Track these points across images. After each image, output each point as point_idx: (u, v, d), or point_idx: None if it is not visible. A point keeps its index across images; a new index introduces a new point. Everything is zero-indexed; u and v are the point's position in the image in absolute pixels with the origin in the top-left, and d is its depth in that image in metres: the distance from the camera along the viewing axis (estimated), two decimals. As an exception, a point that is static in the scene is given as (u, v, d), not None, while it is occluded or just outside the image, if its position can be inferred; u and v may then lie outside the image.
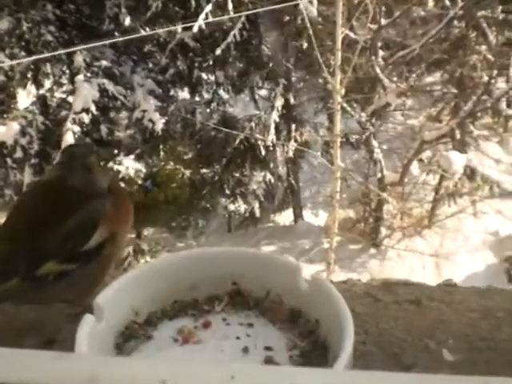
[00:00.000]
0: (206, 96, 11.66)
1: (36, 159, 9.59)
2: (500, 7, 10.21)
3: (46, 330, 1.05)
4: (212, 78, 11.47)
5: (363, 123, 11.03)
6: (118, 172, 9.75)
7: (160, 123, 9.78)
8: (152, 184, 10.34)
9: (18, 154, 9.43)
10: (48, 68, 10.38)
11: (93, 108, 9.28)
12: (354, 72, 9.75)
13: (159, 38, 10.69)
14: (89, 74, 9.47)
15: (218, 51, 10.46)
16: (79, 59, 9.39)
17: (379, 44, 10.69)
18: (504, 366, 0.86)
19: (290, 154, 11.72)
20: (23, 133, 9.47)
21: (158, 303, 1.00)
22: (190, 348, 0.92)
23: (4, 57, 9.36)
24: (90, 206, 1.03)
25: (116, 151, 10.20)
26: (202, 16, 9.74)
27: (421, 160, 11.93)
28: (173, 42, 10.60)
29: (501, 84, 11.11)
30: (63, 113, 9.96)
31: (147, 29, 10.36)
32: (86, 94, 9.23)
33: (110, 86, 9.64)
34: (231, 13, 10.00)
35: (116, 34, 10.00)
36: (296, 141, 11.60)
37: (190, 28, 9.89)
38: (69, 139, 9.00)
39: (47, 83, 10.64)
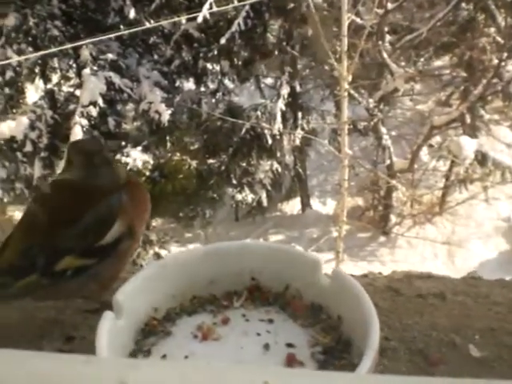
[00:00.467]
0: (212, 86, 11.62)
1: (45, 153, 9.64)
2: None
3: (65, 327, 1.04)
4: (217, 67, 11.42)
5: (371, 109, 10.96)
6: (126, 164, 9.78)
7: (166, 114, 9.77)
8: (159, 175, 10.35)
9: (28, 147, 9.49)
10: (55, 62, 10.40)
11: (100, 101, 9.28)
12: (360, 58, 9.66)
13: (164, 29, 10.66)
14: (95, 68, 9.47)
15: (223, 41, 10.41)
16: (85, 53, 9.39)
17: (386, 29, 10.60)
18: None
19: (297, 142, 11.69)
20: (32, 127, 9.52)
21: (176, 299, 0.99)
22: (210, 344, 0.91)
23: (12, 52, 9.38)
24: (107, 200, 1.03)
25: (123, 143, 10.22)
26: (206, 6, 9.69)
27: (430, 146, 11.86)
28: (177, 33, 10.57)
29: (511, 67, 10.98)
30: (71, 106, 9.98)
31: (152, 21, 10.33)
32: (93, 87, 9.24)
33: (117, 79, 9.63)
34: (235, 2, 9.95)
35: (121, 26, 9.99)
36: (303, 129, 11.56)
37: (195, 18, 9.85)
38: (77, 132, 9.02)
39: (55, 77, 10.67)
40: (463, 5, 10.42)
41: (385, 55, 10.20)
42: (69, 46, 8.99)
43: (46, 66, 10.32)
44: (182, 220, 11.59)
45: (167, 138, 10.64)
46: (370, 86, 11.08)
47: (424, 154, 12.20)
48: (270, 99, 11.61)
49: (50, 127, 9.65)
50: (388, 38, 10.64)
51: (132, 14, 10.08)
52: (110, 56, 9.78)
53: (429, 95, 13.16)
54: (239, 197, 11.97)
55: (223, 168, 11.58)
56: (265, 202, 12.08)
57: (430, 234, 11.76)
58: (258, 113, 11.31)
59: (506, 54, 10.28)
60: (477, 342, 0.88)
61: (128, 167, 9.69)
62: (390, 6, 10.07)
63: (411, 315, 0.95)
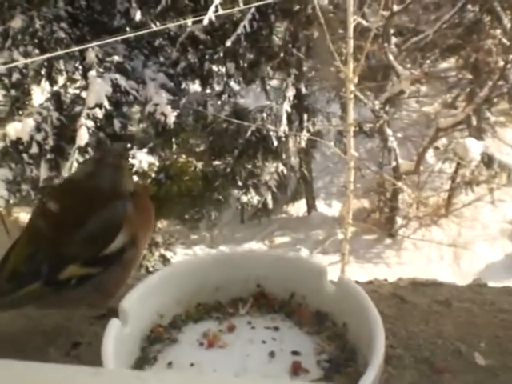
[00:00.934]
0: (217, 88, 11.65)
1: (51, 154, 9.68)
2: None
3: (71, 333, 1.05)
4: (223, 69, 11.44)
5: (377, 111, 10.95)
6: (132, 166, 9.80)
7: (172, 116, 9.80)
8: (165, 177, 10.37)
9: (34, 149, 9.53)
10: (61, 65, 10.44)
11: (106, 103, 9.32)
12: (366, 60, 9.66)
13: (169, 31, 10.69)
14: (101, 70, 9.51)
15: (229, 43, 10.44)
16: (91, 55, 9.43)
17: (392, 31, 10.59)
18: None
19: (303, 144, 11.69)
20: (38, 129, 9.56)
21: (182, 306, 0.99)
22: (216, 352, 0.91)
23: (18, 54, 9.42)
24: (111, 207, 1.02)
25: (129, 145, 10.25)
26: (212, 8, 9.71)
27: (436, 148, 11.84)
28: (183, 35, 10.60)
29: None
30: (77, 108, 10.01)
31: (158, 23, 10.36)
32: (99, 89, 9.27)
33: (122, 81, 9.67)
34: (241, 4, 9.97)
35: (127, 29, 10.02)
36: (308, 131, 11.57)
37: (200, 21, 9.88)
38: (83, 134, 9.06)
39: (61, 79, 10.71)
40: (469, 7, 10.40)
41: (391, 57, 10.20)
42: (75, 48, 9.03)
43: (52, 68, 10.36)
44: (187, 222, 11.60)
45: (173, 139, 10.66)
46: (375, 88, 11.08)
47: (430, 156, 12.19)
48: (275, 101, 11.62)
49: (55, 129, 9.68)
50: (394, 40, 10.63)
51: (138, 16, 10.12)
52: (116, 58, 9.82)
53: (435, 97, 13.14)
54: (245, 199, 11.98)
55: (229, 170, 11.59)
56: (270, 204, 12.10)
57: (436, 236, 11.74)
58: (264, 115, 11.33)
59: (511, 56, 10.24)
60: (482, 350, 0.88)
61: (134, 169, 9.72)
62: (395, 8, 10.06)
63: (416, 323, 0.95)
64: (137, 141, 10.45)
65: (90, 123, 9.19)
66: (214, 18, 9.87)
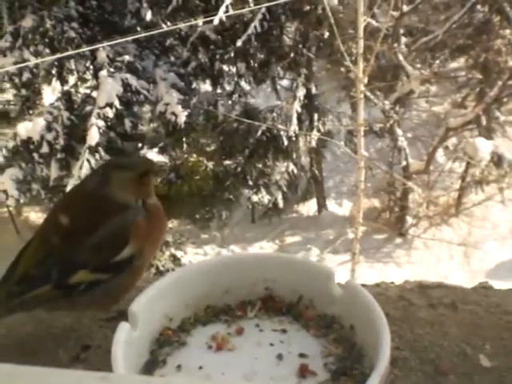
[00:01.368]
0: (228, 88, 11.67)
1: (62, 154, 9.72)
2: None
3: (81, 336, 1.06)
4: (233, 69, 11.48)
5: (387, 111, 10.95)
6: (167, 172, 9.82)
7: (183, 116, 9.82)
8: (176, 176, 10.39)
9: (45, 149, 9.57)
10: (72, 64, 10.49)
11: (116, 102, 9.35)
12: (376, 60, 9.66)
13: (180, 31, 10.71)
14: (112, 69, 9.54)
15: (239, 43, 10.45)
16: (102, 55, 9.47)
17: (402, 31, 10.59)
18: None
19: (313, 143, 11.69)
20: (49, 128, 9.61)
21: (190, 309, 1.00)
22: (224, 355, 0.92)
23: (28, 54, 9.47)
24: (121, 216, 1.04)
25: (140, 145, 10.29)
26: (223, 9, 9.73)
27: (446, 147, 11.82)
28: (194, 35, 10.62)
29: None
30: (88, 108, 10.05)
31: (168, 23, 10.39)
32: (110, 88, 9.30)
33: (133, 81, 9.70)
34: (251, 4, 9.97)
35: (138, 28, 10.06)
36: (319, 130, 11.57)
37: (211, 21, 9.90)
38: (94, 134, 9.10)
39: (71, 79, 10.76)
40: (478, 7, 10.38)
41: (400, 57, 10.19)
42: (86, 48, 9.06)
43: (62, 68, 10.42)
44: (198, 221, 11.62)
45: (183, 139, 10.69)
46: (385, 88, 11.07)
47: (440, 155, 12.16)
48: (285, 101, 11.62)
49: (66, 128, 9.73)
50: (404, 40, 10.64)
51: (149, 16, 10.14)
52: (127, 58, 9.85)
53: (444, 97, 13.12)
54: (255, 198, 11.99)
55: (239, 169, 11.60)
56: (281, 204, 12.10)
57: (446, 235, 11.71)
58: (274, 114, 11.34)
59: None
60: (487, 352, 0.89)
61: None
62: (405, 8, 10.04)
63: (422, 325, 0.96)
64: (147, 140, 10.49)
65: (101, 123, 9.23)
66: (224, 18, 9.89)
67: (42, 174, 9.97)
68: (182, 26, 10.21)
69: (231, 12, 9.79)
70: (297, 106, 11.10)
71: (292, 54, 11.34)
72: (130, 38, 9.28)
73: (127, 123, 9.78)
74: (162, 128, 10.40)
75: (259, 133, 11.14)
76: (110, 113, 9.31)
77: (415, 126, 12.94)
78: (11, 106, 12.58)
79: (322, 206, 13.07)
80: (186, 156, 10.71)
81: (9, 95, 12.25)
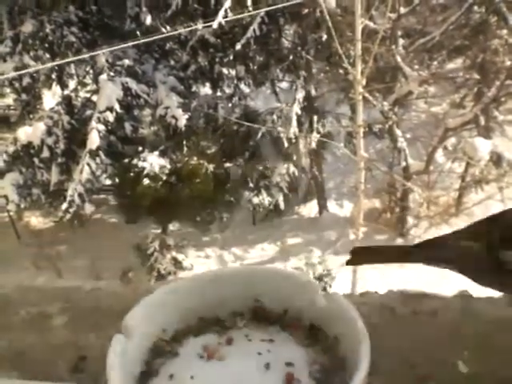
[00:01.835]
0: (228, 91, 11.74)
1: (62, 158, 9.76)
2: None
3: (78, 347, 1.10)
4: (233, 72, 11.54)
5: (386, 112, 10.98)
6: (143, 168, 9.87)
7: (183, 119, 9.88)
8: (176, 179, 10.43)
9: (45, 153, 9.61)
10: (72, 69, 10.53)
11: (117, 106, 9.41)
12: (374, 62, 9.70)
13: (180, 35, 10.76)
14: (112, 74, 9.60)
15: (238, 46, 10.50)
16: (102, 59, 9.53)
17: (399, 33, 10.64)
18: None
19: (313, 145, 11.72)
20: (49, 133, 9.66)
21: (183, 321, 1.05)
22: (215, 364, 0.96)
23: (29, 59, 9.52)
24: None
25: (140, 148, 10.33)
26: (222, 13, 9.77)
27: (445, 147, 11.85)
28: (193, 38, 10.67)
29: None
30: (88, 112, 10.12)
31: (168, 27, 10.43)
32: (110, 92, 9.36)
33: (133, 85, 9.76)
34: (250, 8, 10.02)
35: (137, 32, 10.11)
36: (318, 132, 11.60)
37: (211, 25, 9.94)
38: (94, 138, 9.15)
39: (71, 83, 10.80)
40: (475, 8, 10.42)
41: (398, 59, 10.24)
42: (86, 55, 9.09)
43: (62, 73, 10.46)
44: (199, 224, 11.66)
45: (184, 142, 10.74)
46: (384, 90, 11.11)
47: (439, 155, 12.19)
48: (285, 103, 11.66)
49: (66, 133, 9.78)
50: (401, 41, 10.68)
51: (148, 20, 10.20)
52: (127, 62, 9.90)
53: (443, 98, 13.16)
54: (256, 200, 12.00)
55: (240, 171, 11.64)
56: (282, 205, 12.12)
57: (447, 235, 11.72)
58: (274, 117, 11.39)
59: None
60: (465, 359, 0.93)
61: (145, 172, 9.80)
62: (402, 10, 10.08)
63: (404, 333, 1.01)
64: (148, 144, 10.54)
65: (101, 127, 9.28)
66: (223, 22, 9.93)
67: (43, 179, 10.01)
68: (181, 31, 10.26)
69: (231, 16, 9.83)
70: (296, 108, 11.13)
71: (291, 57, 11.38)
72: (130, 44, 9.32)
73: (127, 127, 9.85)
74: (163, 131, 10.46)
75: (259, 135, 11.18)
76: (111, 117, 9.37)
77: (414, 127, 12.98)
78: (11, 110, 12.62)
79: (322, 207, 13.10)
80: (186, 159, 10.75)
81: (9, 100, 12.31)
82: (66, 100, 10.31)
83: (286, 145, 11.31)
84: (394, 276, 10.97)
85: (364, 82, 8.85)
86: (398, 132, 11.21)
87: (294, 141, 11.40)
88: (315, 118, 11.73)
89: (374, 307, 1.06)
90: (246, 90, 11.91)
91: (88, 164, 9.12)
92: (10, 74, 9.28)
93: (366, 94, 9.79)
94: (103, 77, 9.53)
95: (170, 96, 10.07)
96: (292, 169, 11.99)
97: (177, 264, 10.75)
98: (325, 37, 10.64)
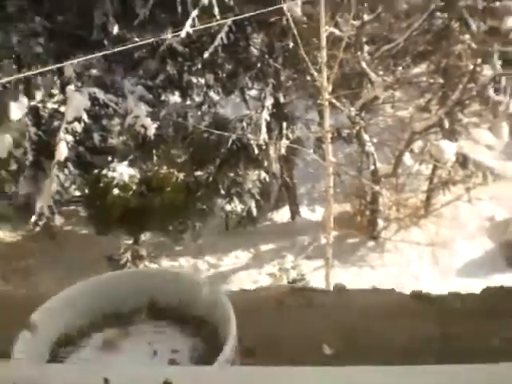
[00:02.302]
0: (197, 99, 11.79)
1: (30, 170, 9.71)
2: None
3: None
4: (202, 80, 11.59)
5: (353, 117, 11.12)
6: (113, 179, 9.87)
7: (152, 128, 9.90)
8: (147, 189, 10.43)
9: (13, 166, 9.55)
10: (39, 79, 10.50)
11: (85, 117, 9.40)
12: (340, 68, 9.84)
13: (148, 44, 10.79)
14: (79, 84, 9.59)
15: (207, 54, 10.56)
16: (69, 70, 9.51)
17: (364, 39, 10.80)
18: (376, 359, 1.00)
19: (283, 151, 11.80)
20: (17, 145, 9.59)
21: (87, 317, 1.16)
22: (114, 354, 1.07)
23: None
24: None
25: (110, 158, 10.32)
26: (189, 22, 9.83)
27: (412, 150, 12.03)
28: (162, 47, 10.71)
29: (486, 71, 11.16)
30: (56, 123, 10.08)
31: (135, 36, 10.46)
32: (78, 103, 9.36)
33: (101, 95, 9.76)
34: (218, 17, 10.09)
35: (105, 42, 10.12)
36: (288, 138, 11.70)
37: (178, 34, 9.99)
38: (62, 149, 9.15)
39: (38, 94, 10.76)
40: (438, 14, 10.63)
41: (364, 65, 10.40)
42: (53, 66, 9.07)
43: (29, 83, 10.41)
44: (171, 233, 11.62)
45: (153, 151, 10.76)
46: (351, 95, 11.26)
47: (407, 158, 12.35)
48: (254, 110, 11.74)
49: (34, 144, 9.72)
50: (366, 48, 10.83)
51: (116, 29, 10.21)
52: (94, 72, 9.90)
53: (408, 102, 13.35)
54: (228, 207, 12.03)
55: (211, 179, 11.67)
56: (254, 212, 12.16)
57: (416, 236, 11.92)
58: (244, 124, 11.44)
59: (480, 60, 10.50)
60: (330, 342, 1.05)
61: (115, 182, 9.81)
62: (366, 17, 10.26)
63: (284, 322, 1.12)
64: (117, 153, 10.53)
65: (69, 137, 9.26)
66: (191, 31, 9.99)
67: (9, 192, 9.93)
68: (149, 40, 10.29)
69: (198, 25, 9.89)
70: (266, 115, 11.22)
71: (259, 65, 11.47)
72: (98, 55, 9.32)
73: (96, 137, 9.86)
74: (132, 141, 10.46)
75: (229, 142, 11.23)
76: (79, 127, 9.36)
77: (381, 131, 13.16)
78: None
79: (295, 212, 13.19)
80: (156, 168, 10.77)
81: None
82: (33, 111, 10.26)
83: (256, 151, 11.38)
84: (366, 279, 11.12)
85: (330, 88, 8.98)
86: (366, 136, 11.36)
87: (264, 147, 11.47)
88: (284, 124, 11.83)
89: (262, 300, 1.17)
90: (216, 97, 11.98)
91: (57, 175, 9.11)
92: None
93: (333, 100, 9.93)
94: (70, 87, 9.52)
95: (139, 105, 10.10)
96: (263, 175, 12.05)
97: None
98: (291, 44, 10.77)
